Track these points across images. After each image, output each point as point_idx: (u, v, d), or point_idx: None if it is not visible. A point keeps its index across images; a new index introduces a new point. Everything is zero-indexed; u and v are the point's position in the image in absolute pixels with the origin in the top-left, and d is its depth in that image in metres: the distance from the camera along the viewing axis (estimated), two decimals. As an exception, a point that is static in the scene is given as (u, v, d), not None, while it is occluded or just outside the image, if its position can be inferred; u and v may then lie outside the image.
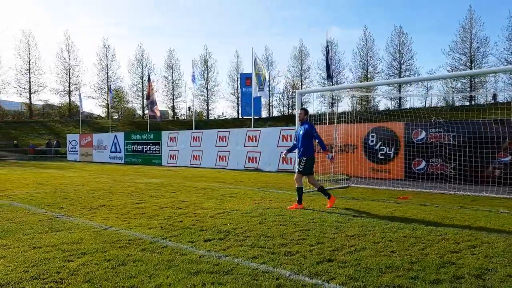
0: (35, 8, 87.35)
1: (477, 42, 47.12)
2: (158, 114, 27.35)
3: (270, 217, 6.23)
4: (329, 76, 17.58)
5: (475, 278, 3.41)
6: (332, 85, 35.21)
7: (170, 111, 62.94)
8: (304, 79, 59.86)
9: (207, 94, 60.81)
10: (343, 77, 57.70)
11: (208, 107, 61.52)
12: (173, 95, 60.68)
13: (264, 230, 5.29)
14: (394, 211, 6.81)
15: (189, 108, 65.19)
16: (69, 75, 55.46)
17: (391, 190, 10.30)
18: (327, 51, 16.31)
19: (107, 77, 57.90)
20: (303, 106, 8.37)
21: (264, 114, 59.70)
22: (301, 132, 7.26)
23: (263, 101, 60.24)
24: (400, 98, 54.27)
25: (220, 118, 60.84)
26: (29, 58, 52.75)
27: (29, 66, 52.65)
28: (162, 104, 62.41)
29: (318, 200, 8.06)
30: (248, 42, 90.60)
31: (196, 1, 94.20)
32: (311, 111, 58.53)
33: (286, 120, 49.42)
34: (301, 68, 60.12)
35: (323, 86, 43.91)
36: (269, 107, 62.32)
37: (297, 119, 7.99)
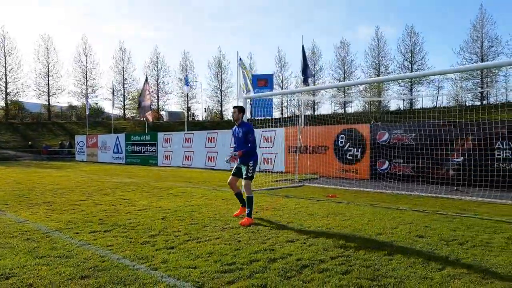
0: (53, 11, 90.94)
1: (488, 41, 46.31)
2: (150, 119, 28.38)
3: (180, 213, 6.83)
4: (305, 80, 17.93)
5: (267, 262, 3.93)
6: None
7: (185, 113, 64.37)
8: (317, 79, 59.92)
9: (221, 95, 61.89)
10: (355, 77, 57.36)
11: (222, 108, 62.59)
12: (187, 96, 62.01)
13: (156, 224, 5.90)
14: (300, 207, 7.30)
15: (205, 109, 66.56)
16: (86, 78, 57.78)
17: (337, 189, 10.70)
18: (303, 55, 16.69)
19: (123, 80, 59.96)
20: (239, 105, 7.41)
21: (277, 115, 60.13)
22: (240, 135, 6.37)
23: (276, 101, 61.02)
24: (411, 99, 53.62)
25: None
26: (47, 62, 55.36)
27: (48, 70, 55.24)
28: (176, 106, 63.97)
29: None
30: (264, 43, 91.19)
31: (209, 3, 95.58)
32: (325, 111, 58.48)
33: (295, 120, 49.72)
34: (313, 69, 60.18)
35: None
36: (282, 108, 62.77)
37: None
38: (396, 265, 3.87)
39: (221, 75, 61.29)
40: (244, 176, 6.26)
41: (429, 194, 9.17)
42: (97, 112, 60.61)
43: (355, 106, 56.78)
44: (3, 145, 43.18)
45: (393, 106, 56.01)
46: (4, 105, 53.49)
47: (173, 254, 4.25)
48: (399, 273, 3.65)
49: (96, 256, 4.19)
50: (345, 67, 58.24)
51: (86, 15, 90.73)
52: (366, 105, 53.28)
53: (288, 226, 5.68)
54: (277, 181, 12.94)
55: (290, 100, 56.71)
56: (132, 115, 64.68)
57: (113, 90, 34.20)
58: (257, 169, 6.47)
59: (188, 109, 62.40)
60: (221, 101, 61.88)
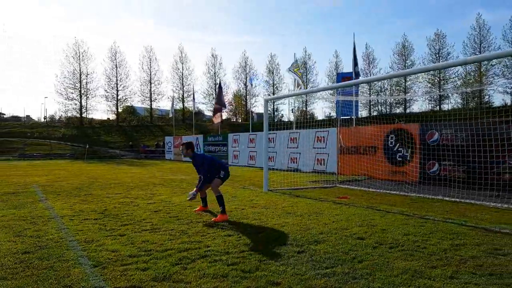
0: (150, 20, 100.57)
1: None
2: (215, 121, 30.00)
3: (176, 207, 7.58)
4: (357, 74, 17.28)
5: (177, 252, 4.39)
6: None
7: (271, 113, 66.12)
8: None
9: (306, 95, 61.96)
10: (452, 72, 52.40)
11: (306, 108, 62.74)
12: (246, 96, 63.63)
13: (142, 216, 6.71)
14: (289, 206, 7.47)
15: (292, 110, 67.33)
16: (183, 83, 63.14)
17: (365, 190, 10.41)
18: (354, 54, 16.17)
19: (215, 84, 63.93)
20: (186, 141, 7.30)
21: (364, 113, 58.12)
22: (196, 165, 6.83)
23: (364, 100, 58.77)
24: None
25: (318, 119, 61.44)
26: (150, 70, 61.97)
27: (150, 78, 61.84)
28: (262, 108, 66.01)
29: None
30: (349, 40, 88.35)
31: (295, 4, 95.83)
32: (418, 109, 54.46)
33: (385, 119, 47.51)
34: (405, 64, 56.72)
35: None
36: (369, 107, 60.39)
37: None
38: (291, 262, 3.99)
39: (306, 76, 61.36)
40: (216, 176, 6.64)
41: (452, 199, 8.41)
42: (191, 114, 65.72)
43: (450, 103, 51.86)
44: (112, 145, 49.72)
45: (497, 101, 49.87)
46: (116, 110, 61.48)
47: (115, 240, 4.96)
48: (280, 268, 3.80)
49: (57, 238, 5.11)
50: (440, 61, 53.47)
51: (184, 28, 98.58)
52: (463, 102, 48.31)
53: (247, 223, 5.98)
54: (314, 181, 12.95)
55: (375, 99, 54.13)
56: (225, 117, 68.58)
57: (193, 95, 37.09)
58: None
59: (274, 110, 63.83)
60: (306, 101, 61.97)
